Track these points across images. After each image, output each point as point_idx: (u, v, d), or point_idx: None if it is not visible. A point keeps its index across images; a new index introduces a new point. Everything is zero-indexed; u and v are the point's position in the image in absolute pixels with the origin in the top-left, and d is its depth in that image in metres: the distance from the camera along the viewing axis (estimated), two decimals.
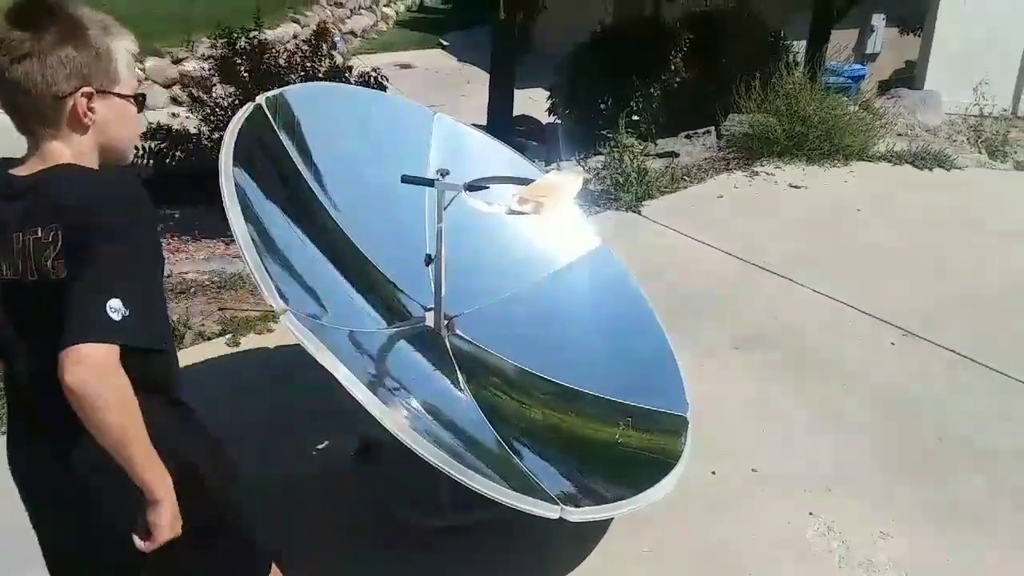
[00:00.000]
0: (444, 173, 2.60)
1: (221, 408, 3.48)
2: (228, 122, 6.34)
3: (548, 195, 2.44)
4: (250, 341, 3.99)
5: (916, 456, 3.26)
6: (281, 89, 2.71)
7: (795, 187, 6.40)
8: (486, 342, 2.87)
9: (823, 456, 3.22)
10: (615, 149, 6.23)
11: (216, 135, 6.75)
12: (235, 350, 3.93)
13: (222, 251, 5.72)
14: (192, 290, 4.62)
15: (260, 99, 2.60)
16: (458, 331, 2.84)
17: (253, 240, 2.09)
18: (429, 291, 2.79)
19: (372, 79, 7.43)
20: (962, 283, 4.81)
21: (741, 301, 4.51)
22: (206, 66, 7.44)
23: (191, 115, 7.03)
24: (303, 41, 7.65)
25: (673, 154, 6.95)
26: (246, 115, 2.49)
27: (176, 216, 6.72)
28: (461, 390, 2.62)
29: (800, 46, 9.53)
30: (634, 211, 5.74)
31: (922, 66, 9.79)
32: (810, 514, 2.89)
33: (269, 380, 3.63)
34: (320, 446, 3.23)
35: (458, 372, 2.67)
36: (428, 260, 2.73)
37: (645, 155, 6.37)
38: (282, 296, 2.07)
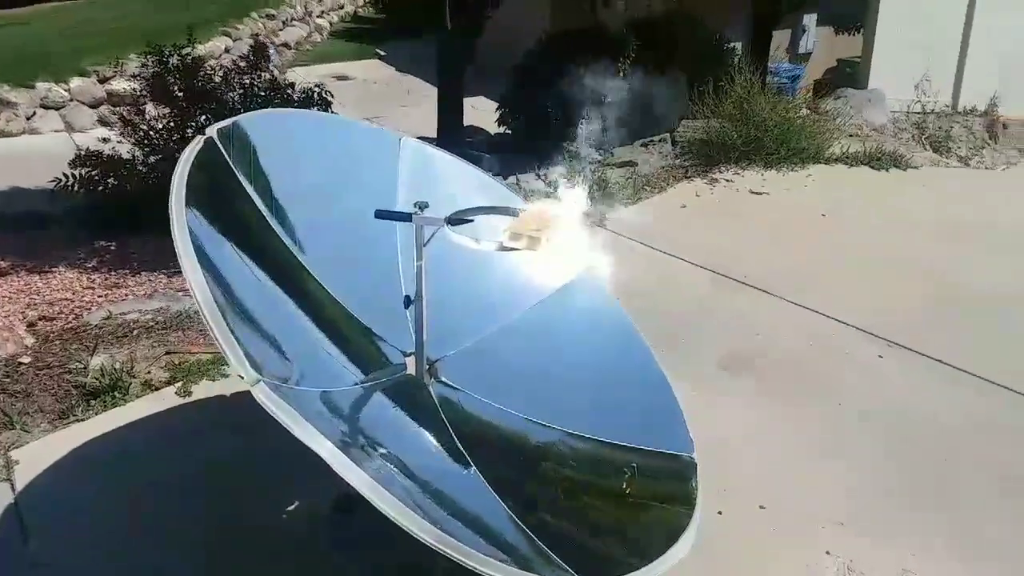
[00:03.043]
0: (423, 206, 2.33)
1: (174, 467, 3.15)
2: (164, 145, 5.77)
3: (541, 227, 2.21)
4: (203, 389, 3.66)
5: (928, 480, 3.11)
6: (235, 118, 2.42)
7: (756, 193, 6.30)
8: (471, 386, 2.61)
9: (831, 486, 3.06)
10: (573, 160, 6.04)
11: (152, 159, 6.32)
12: (186, 400, 3.59)
13: (164, 284, 5.29)
14: (135, 332, 4.24)
15: (211, 131, 2.31)
16: (442, 377, 2.59)
17: (215, 299, 1.81)
18: (406, 334, 2.54)
19: (316, 95, 7.07)
20: (934, 286, 4.73)
21: (720, 318, 4.35)
22: (136, 86, 6.97)
23: (123, 139, 6.57)
24: (240, 57, 7.25)
25: (631, 163, 6.79)
26: (196, 150, 2.19)
27: (112, 248, 6.26)
28: (449, 444, 2.36)
29: (739, 48, 9.50)
30: (599, 225, 5.55)
31: (865, 65, 9.85)
32: (827, 553, 2.71)
33: (228, 433, 3.30)
34: (290, 507, 2.94)
35: (446, 423, 2.42)
36: (407, 302, 2.48)
37: (605, 165, 6.19)
38: (252, 364, 1.78)
